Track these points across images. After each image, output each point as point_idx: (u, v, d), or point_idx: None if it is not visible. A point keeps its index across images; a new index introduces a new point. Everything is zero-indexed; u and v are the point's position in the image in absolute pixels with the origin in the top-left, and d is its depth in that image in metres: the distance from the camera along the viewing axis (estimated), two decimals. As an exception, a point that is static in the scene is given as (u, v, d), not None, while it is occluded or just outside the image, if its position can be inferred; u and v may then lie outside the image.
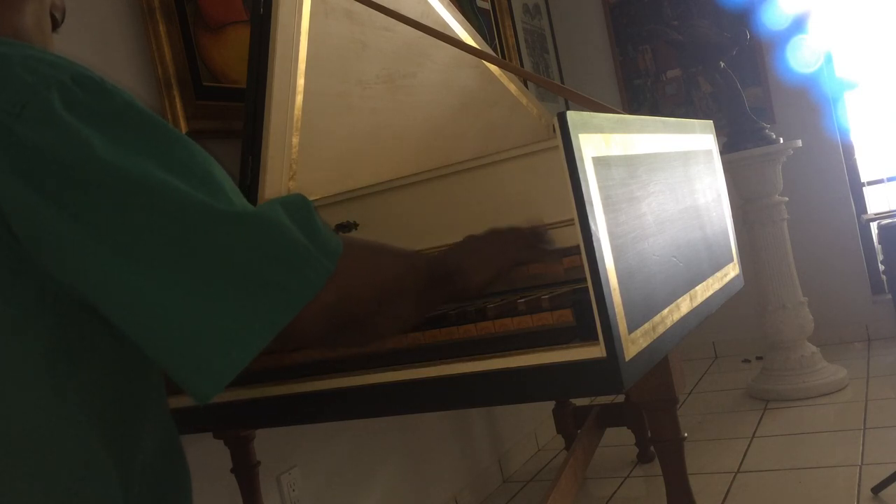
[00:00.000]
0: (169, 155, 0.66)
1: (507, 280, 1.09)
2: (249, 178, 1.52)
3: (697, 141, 1.52)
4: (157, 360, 0.66)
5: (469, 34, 1.92)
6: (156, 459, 0.77)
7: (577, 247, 0.89)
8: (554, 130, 0.92)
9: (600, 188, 0.94)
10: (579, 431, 2.41)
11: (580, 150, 0.92)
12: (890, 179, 3.66)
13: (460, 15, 1.93)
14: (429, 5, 1.83)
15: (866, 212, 3.64)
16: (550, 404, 2.89)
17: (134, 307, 0.64)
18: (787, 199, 3.16)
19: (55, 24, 0.89)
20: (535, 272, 1.15)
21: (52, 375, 0.67)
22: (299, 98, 1.55)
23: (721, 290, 1.41)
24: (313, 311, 0.68)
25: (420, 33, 1.51)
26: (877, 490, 2.07)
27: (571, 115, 0.92)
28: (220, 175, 0.69)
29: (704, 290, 1.30)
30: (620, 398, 2.83)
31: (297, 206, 0.71)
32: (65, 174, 0.62)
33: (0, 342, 0.65)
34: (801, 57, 3.62)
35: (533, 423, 3.11)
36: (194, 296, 0.64)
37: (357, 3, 1.55)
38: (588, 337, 0.90)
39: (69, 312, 0.67)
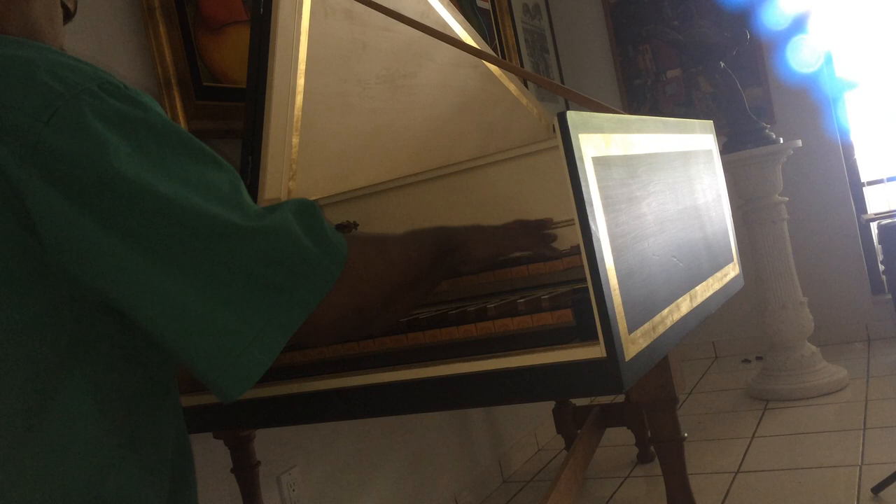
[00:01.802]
0: (190, 165, 0.69)
1: (509, 280, 1.11)
2: (249, 178, 1.52)
3: (697, 141, 1.52)
4: (186, 363, 0.69)
5: (469, 34, 1.92)
6: (178, 447, 0.80)
7: (577, 247, 0.89)
8: (554, 130, 0.92)
9: (600, 188, 0.94)
10: (579, 431, 2.41)
11: (580, 150, 0.92)
12: (890, 179, 3.66)
13: (460, 15, 1.93)
14: (429, 5, 1.83)
15: (866, 212, 3.64)
16: (550, 404, 2.89)
17: (162, 312, 0.67)
18: (787, 199, 3.16)
19: (68, 15, 0.89)
20: (535, 272, 1.15)
21: (67, 377, 0.68)
22: (299, 98, 1.55)
23: (721, 290, 1.41)
24: (327, 313, 0.73)
25: (420, 33, 1.51)
26: (877, 490, 2.07)
27: (571, 115, 0.92)
28: (234, 187, 0.72)
29: (704, 291, 1.30)
30: (620, 398, 2.83)
31: (306, 211, 0.75)
32: (94, 181, 0.64)
33: (14, 345, 0.66)
34: (801, 57, 3.62)
35: (533, 423, 3.11)
36: (217, 303, 0.67)
37: (357, 3, 1.55)
38: (588, 337, 0.90)
39: (85, 315, 0.69)
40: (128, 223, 0.65)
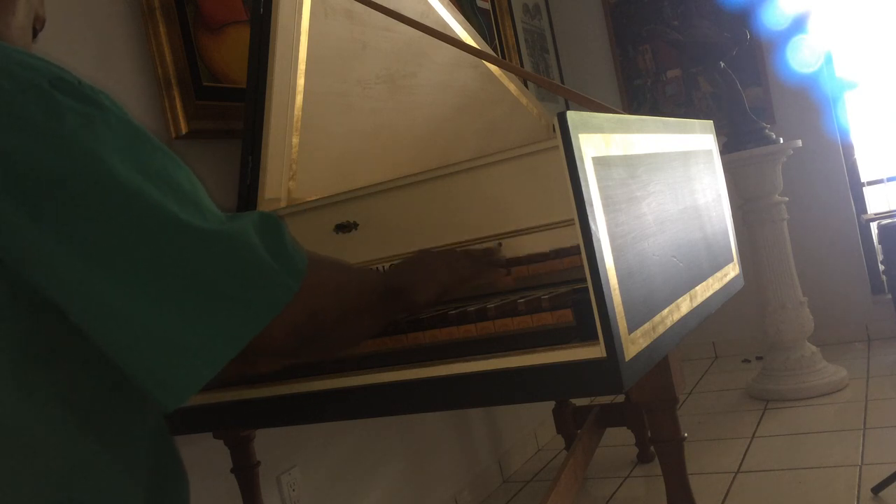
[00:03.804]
0: (146, 162, 0.67)
1: (456, 295, 1.13)
2: (249, 178, 1.52)
3: (697, 141, 1.52)
4: (123, 368, 0.67)
5: (469, 34, 1.92)
6: (154, 446, 0.78)
7: (577, 247, 0.89)
8: (554, 130, 0.92)
9: (600, 188, 0.94)
10: (579, 431, 2.41)
11: (580, 150, 0.92)
12: (890, 179, 3.66)
13: (460, 15, 1.93)
14: (429, 5, 1.83)
15: (866, 212, 3.64)
16: (550, 404, 2.89)
17: (100, 316, 0.65)
18: (787, 199, 3.16)
19: (33, 34, 0.89)
20: (535, 272, 1.15)
21: (27, 378, 0.66)
22: (299, 98, 1.55)
23: (721, 290, 1.41)
24: (281, 327, 0.70)
25: (420, 33, 1.51)
26: (877, 490, 2.07)
27: (571, 115, 0.92)
28: (195, 187, 0.70)
29: (704, 291, 1.30)
30: (620, 398, 2.83)
31: (267, 225, 0.73)
32: (37, 179, 0.62)
33: None
34: (801, 57, 3.62)
35: (533, 423, 3.11)
36: (161, 309, 0.64)
37: (357, 3, 1.55)
38: (588, 337, 0.90)
39: (42, 313, 0.67)
40: (72, 223, 0.62)
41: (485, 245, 1.23)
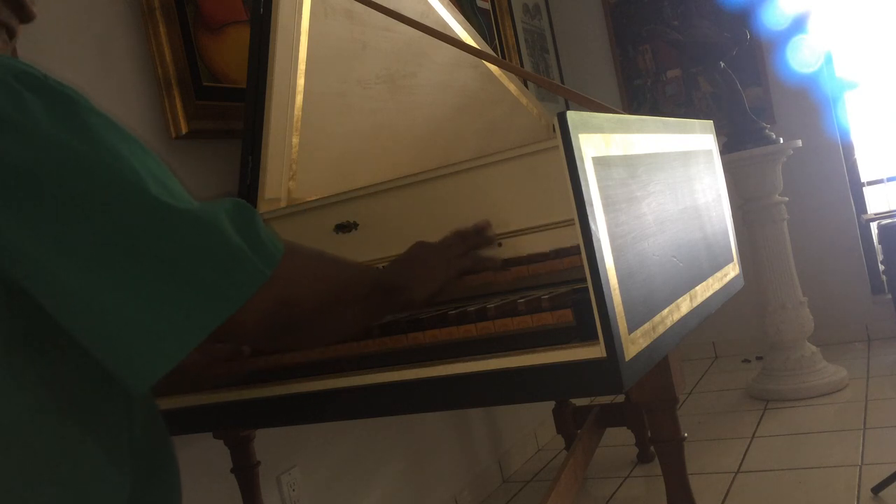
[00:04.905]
0: (117, 147, 0.67)
1: (454, 290, 1.12)
2: (249, 178, 1.52)
3: (697, 141, 1.52)
4: (92, 351, 0.67)
5: (469, 34, 1.92)
6: (143, 436, 0.78)
7: (577, 246, 0.89)
8: (554, 130, 0.92)
9: (600, 188, 0.94)
10: (579, 431, 2.41)
11: (580, 150, 0.92)
12: (890, 179, 3.66)
13: (460, 15, 1.93)
14: (429, 5, 1.83)
15: (866, 212, 3.64)
16: (550, 404, 2.89)
17: (67, 299, 0.65)
18: (787, 199, 3.16)
19: (30, 16, 0.86)
20: (535, 272, 1.15)
21: (12, 366, 0.67)
22: (299, 98, 1.55)
23: (721, 290, 1.41)
24: (252, 313, 0.70)
25: (420, 33, 1.51)
26: (877, 490, 2.07)
27: (571, 115, 0.92)
28: (164, 172, 0.70)
29: (704, 291, 1.30)
30: (620, 398, 2.83)
31: (240, 211, 0.72)
32: (8, 170, 0.62)
33: None
34: (801, 57, 3.62)
35: (533, 423, 3.12)
36: (128, 292, 0.64)
37: (357, 3, 1.55)
38: (588, 337, 0.90)
39: (25, 301, 0.67)
40: (40, 210, 0.62)
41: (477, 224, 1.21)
